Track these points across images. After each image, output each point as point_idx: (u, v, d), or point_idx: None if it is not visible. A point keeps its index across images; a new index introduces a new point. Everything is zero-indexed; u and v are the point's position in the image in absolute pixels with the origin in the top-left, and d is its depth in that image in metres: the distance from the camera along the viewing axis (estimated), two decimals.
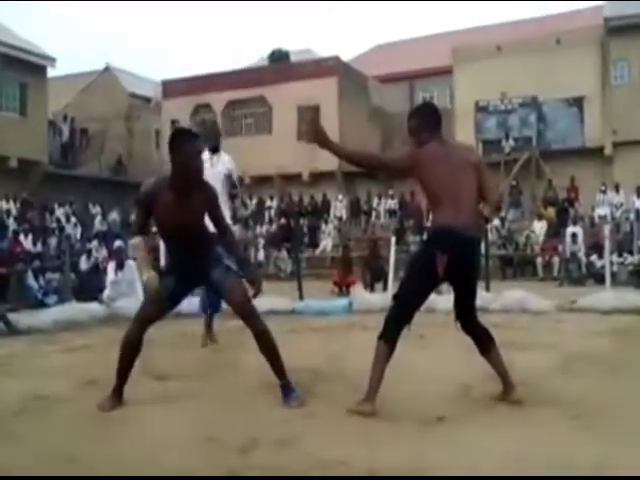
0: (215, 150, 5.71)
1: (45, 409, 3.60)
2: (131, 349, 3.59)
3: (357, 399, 3.37)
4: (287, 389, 3.60)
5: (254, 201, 21.91)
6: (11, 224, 16.54)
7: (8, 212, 17.83)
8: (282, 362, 3.63)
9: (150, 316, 3.63)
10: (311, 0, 70.07)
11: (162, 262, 6.66)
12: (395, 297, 3.53)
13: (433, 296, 8.96)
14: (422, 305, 3.53)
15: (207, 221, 3.70)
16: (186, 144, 3.48)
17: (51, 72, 22.38)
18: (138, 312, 3.68)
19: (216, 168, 5.59)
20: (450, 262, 3.33)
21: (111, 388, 3.64)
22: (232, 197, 5.81)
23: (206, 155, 5.30)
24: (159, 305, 3.63)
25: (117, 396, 3.64)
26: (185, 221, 3.51)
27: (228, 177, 5.74)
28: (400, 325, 3.43)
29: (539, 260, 14.75)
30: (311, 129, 3.48)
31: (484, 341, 3.58)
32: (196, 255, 3.64)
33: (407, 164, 3.49)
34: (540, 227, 16.06)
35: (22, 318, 7.36)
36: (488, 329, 3.61)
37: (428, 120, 3.57)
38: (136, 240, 3.69)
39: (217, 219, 3.69)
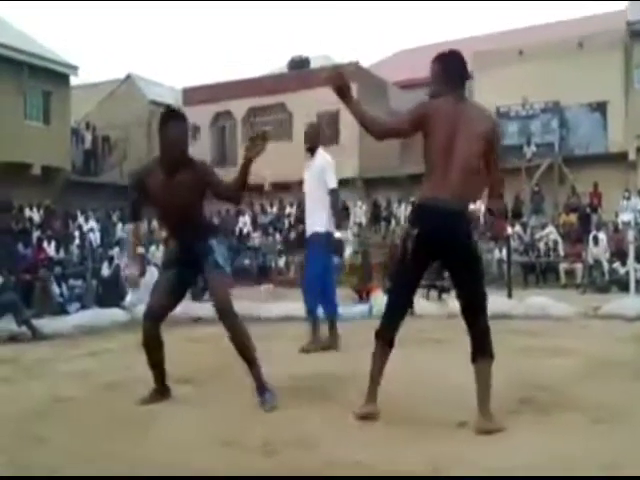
0: (311, 151, 5.90)
1: (68, 411, 3.63)
2: (150, 346, 3.68)
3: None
4: (260, 391, 3.66)
5: (274, 208, 21.94)
6: (35, 231, 16.72)
7: (31, 219, 18.03)
8: (257, 366, 3.68)
9: (156, 310, 3.71)
10: (334, 0, 70.18)
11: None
12: (387, 291, 3.41)
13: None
14: (413, 292, 3.30)
15: (203, 209, 3.79)
16: (172, 123, 3.61)
17: (74, 81, 22.69)
18: (145, 310, 3.77)
19: (310, 169, 5.87)
20: (427, 238, 3.08)
21: (136, 390, 3.73)
22: (331, 193, 5.74)
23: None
24: (164, 299, 3.72)
25: (157, 393, 3.77)
26: (175, 201, 3.59)
27: (319, 176, 5.79)
28: (392, 320, 3.26)
29: (562, 267, 14.56)
30: (336, 77, 3.21)
31: (476, 348, 3.14)
32: (190, 238, 3.70)
33: (415, 117, 3.19)
34: (547, 233, 15.77)
35: (46, 323, 7.44)
36: (487, 341, 3.13)
37: (452, 71, 3.23)
38: (130, 225, 3.89)
39: (214, 185, 3.67)
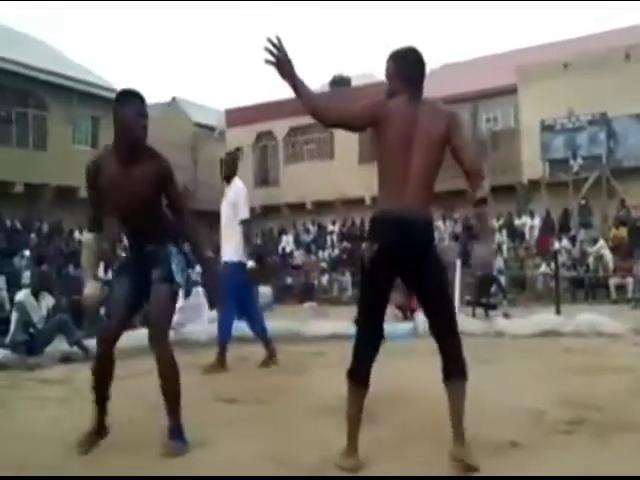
0: (227, 180, 6.03)
1: (117, 431, 3.67)
2: (105, 373, 3.38)
3: (421, 424, 3.29)
4: (172, 433, 3.28)
5: (315, 226, 22.04)
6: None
7: (80, 242, 18.46)
8: (176, 401, 3.31)
9: (114, 331, 3.38)
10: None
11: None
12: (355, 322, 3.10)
13: (502, 320, 8.81)
14: (382, 318, 2.93)
15: (162, 209, 3.41)
16: (127, 104, 3.21)
17: None
18: (101, 331, 3.46)
19: (226, 197, 5.99)
20: (389, 253, 2.80)
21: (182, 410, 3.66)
22: (242, 224, 5.86)
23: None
24: (121, 317, 3.41)
25: (95, 434, 3.40)
26: (131, 193, 3.19)
27: (234, 205, 5.91)
28: (365, 356, 2.89)
29: (612, 282, 14.16)
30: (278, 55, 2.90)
31: (448, 366, 2.88)
32: (144, 241, 3.36)
33: (368, 115, 2.91)
34: (599, 247, 15.34)
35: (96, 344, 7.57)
36: (460, 357, 2.89)
37: (407, 68, 2.98)
38: (88, 237, 3.45)
39: (171, 196, 3.33)
